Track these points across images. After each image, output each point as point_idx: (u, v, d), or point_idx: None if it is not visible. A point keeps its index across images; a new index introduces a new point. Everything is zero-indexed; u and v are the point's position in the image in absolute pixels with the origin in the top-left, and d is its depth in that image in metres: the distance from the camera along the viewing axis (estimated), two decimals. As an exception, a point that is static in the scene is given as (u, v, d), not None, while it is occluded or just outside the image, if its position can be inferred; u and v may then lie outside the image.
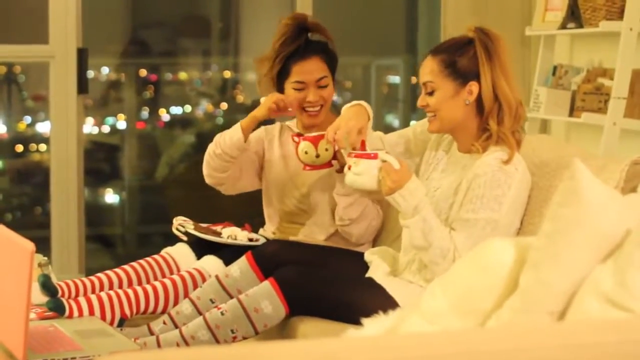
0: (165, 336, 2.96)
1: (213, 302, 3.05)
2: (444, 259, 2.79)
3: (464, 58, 2.88)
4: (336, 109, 3.43)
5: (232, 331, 2.93)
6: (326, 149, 3.12)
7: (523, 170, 2.88)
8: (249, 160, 3.42)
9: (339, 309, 2.95)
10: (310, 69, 3.31)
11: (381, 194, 2.92)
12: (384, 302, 2.86)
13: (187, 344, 2.92)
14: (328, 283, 3.03)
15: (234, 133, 3.25)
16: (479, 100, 2.88)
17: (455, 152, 3.01)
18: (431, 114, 2.93)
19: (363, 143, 2.98)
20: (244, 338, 2.96)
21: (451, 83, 2.88)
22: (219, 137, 3.29)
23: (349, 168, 2.92)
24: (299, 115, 3.36)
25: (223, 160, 3.28)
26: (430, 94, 2.91)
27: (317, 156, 3.11)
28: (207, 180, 3.37)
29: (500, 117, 2.87)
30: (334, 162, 3.15)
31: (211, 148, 3.30)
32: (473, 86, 2.87)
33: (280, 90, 3.35)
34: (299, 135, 3.22)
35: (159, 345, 2.93)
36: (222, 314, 2.95)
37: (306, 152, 3.13)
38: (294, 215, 3.41)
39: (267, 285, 2.95)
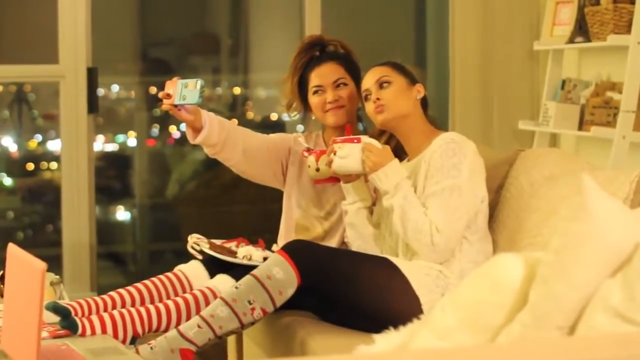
0: (185, 325, 2.97)
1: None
2: (420, 233, 2.93)
3: (409, 67, 3.25)
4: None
5: (250, 302, 2.95)
6: (326, 164, 3.17)
7: (474, 146, 3.06)
8: (266, 153, 3.45)
9: (352, 282, 2.96)
10: (326, 71, 3.40)
11: (366, 177, 3.10)
12: (397, 281, 2.90)
13: (207, 323, 2.94)
14: (339, 255, 3.07)
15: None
16: (423, 104, 3.19)
17: (404, 164, 3.14)
18: (381, 107, 3.12)
19: (348, 128, 3.18)
20: (263, 311, 2.96)
21: (404, 78, 3.18)
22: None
23: (335, 154, 3.08)
24: (324, 120, 3.41)
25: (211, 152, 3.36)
26: (383, 86, 3.14)
27: (317, 170, 3.16)
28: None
29: None
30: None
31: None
32: (419, 87, 3.19)
33: (306, 104, 3.44)
34: (308, 150, 3.27)
35: (180, 333, 2.94)
36: (236, 288, 2.98)
37: (309, 166, 3.20)
38: (311, 232, 3.43)
39: (276, 255, 3.00)
